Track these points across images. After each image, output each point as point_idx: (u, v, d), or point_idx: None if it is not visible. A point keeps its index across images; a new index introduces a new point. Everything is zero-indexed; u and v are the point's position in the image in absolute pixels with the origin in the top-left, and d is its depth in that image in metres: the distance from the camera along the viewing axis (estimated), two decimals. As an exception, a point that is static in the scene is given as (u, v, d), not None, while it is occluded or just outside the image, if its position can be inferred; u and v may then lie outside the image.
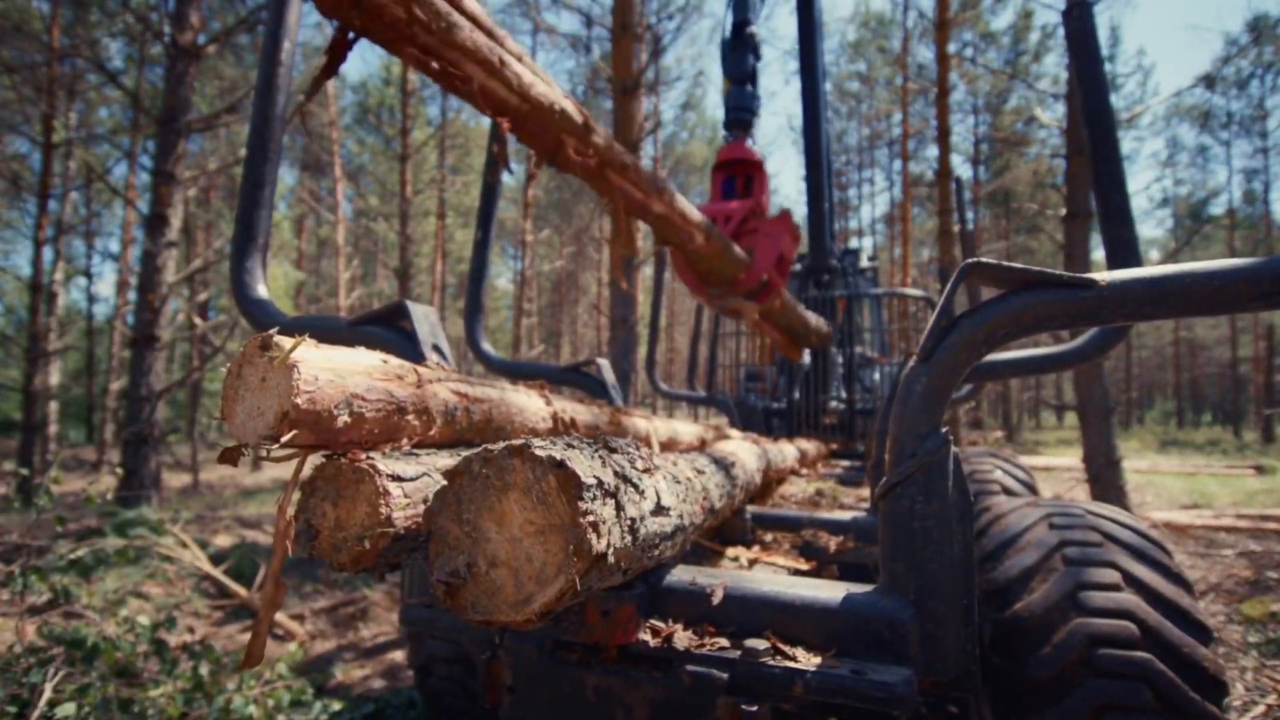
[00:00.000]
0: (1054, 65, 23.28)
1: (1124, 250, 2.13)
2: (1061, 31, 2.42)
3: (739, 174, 4.44)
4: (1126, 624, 1.58)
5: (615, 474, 0.91)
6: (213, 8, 13.21)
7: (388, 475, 0.94)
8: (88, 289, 21.87)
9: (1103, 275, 1.33)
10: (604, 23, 8.98)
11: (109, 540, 5.37)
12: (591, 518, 0.81)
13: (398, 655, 4.15)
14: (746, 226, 4.02)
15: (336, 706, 3.17)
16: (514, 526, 0.83)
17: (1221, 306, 1.26)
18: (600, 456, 0.91)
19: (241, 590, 4.94)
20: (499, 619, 0.82)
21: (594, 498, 0.82)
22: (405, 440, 1.08)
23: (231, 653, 3.30)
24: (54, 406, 15.07)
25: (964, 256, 4.91)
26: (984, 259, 1.41)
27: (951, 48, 15.79)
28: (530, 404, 1.51)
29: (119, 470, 3.91)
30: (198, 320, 14.92)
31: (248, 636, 4.44)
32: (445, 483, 0.88)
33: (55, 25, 11.74)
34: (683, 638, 1.41)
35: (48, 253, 12.35)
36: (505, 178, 3.16)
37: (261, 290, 2.05)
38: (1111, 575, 1.68)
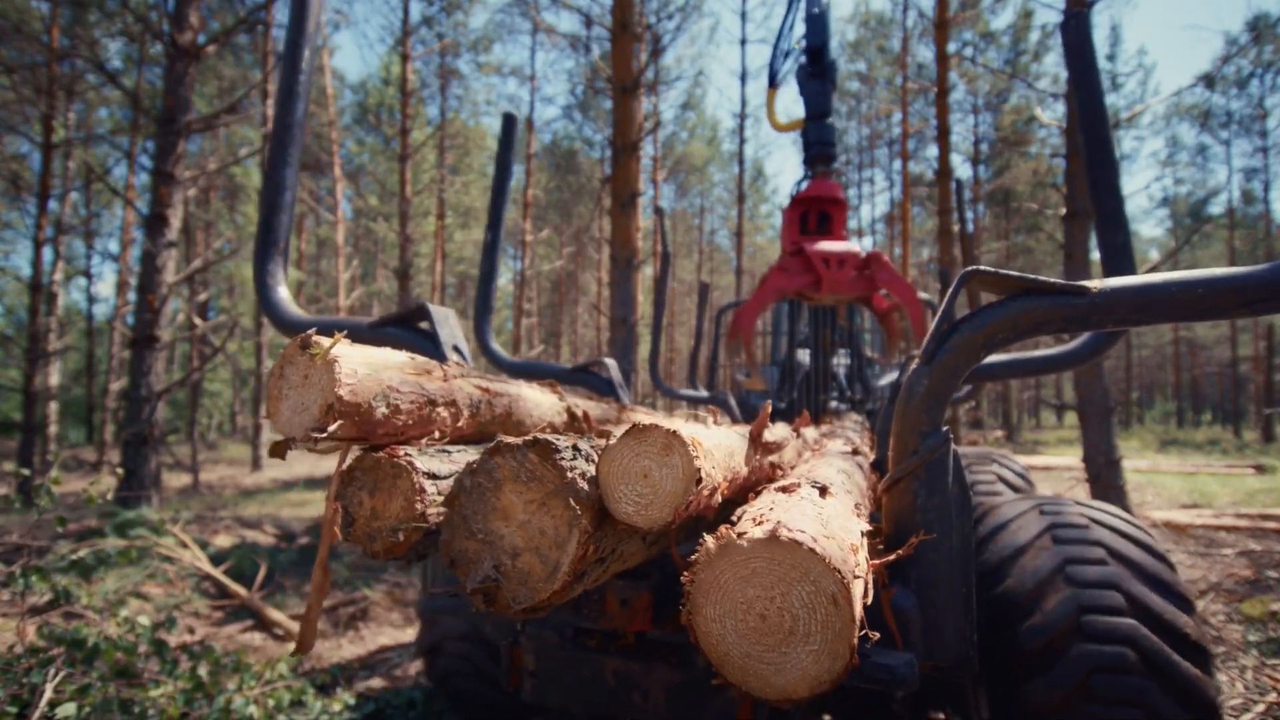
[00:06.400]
0: (1054, 65, 23.30)
1: (1118, 255, 2.21)
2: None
3: (813, 209, 4.34)
4: (1112, 593, 1.65)
5: (590, 447, 0.96)
6: (212, 8, 13.21)
7: (424, 473, 0.99)
8: (88, 289, 21.88)
9: (1095, 283, 1.40)
10: (604, 23, 8.97)
11: (109, 541, 5.37)
12: (579, 471, 0.87)
13: (398, 655, 4.15)
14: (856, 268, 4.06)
15: (336, 706, 3.17)
16: (519, 513, 0.89)
17: (1207, 313, 1.32)
18: (571, 438, 0.97)
19: (241, 590, 4.94)
20: (540, 598, 0.86)
21: (573, 457, 0.89)
22: (436, 432, 1.14)
23: (231, 653, 3.30)
24: (54, 407, 15.07)
25: (963, 256, 4.92)
26: (984, 267, 1.48)
27: (951, 47, 15.80)
28: (545, 399, 1.57)
29: (119, 470, 3.91)
30: (198, 320, 14.92)
31: (248, 636, 4.45)
32: (447, 510, 0.93)
33: (55, 25, 11.74)
34: None
35: (48, 253, 12.36)
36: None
37: (282, 291, 2.13)
38: (1098, 551, 1.76)
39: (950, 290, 1.52)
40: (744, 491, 1.34)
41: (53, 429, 14.98)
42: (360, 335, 2.01)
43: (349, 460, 1.02)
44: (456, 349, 1.93)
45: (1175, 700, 1.56)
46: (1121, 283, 1.38)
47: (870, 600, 0.83)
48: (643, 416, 2.22)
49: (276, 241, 2.09)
